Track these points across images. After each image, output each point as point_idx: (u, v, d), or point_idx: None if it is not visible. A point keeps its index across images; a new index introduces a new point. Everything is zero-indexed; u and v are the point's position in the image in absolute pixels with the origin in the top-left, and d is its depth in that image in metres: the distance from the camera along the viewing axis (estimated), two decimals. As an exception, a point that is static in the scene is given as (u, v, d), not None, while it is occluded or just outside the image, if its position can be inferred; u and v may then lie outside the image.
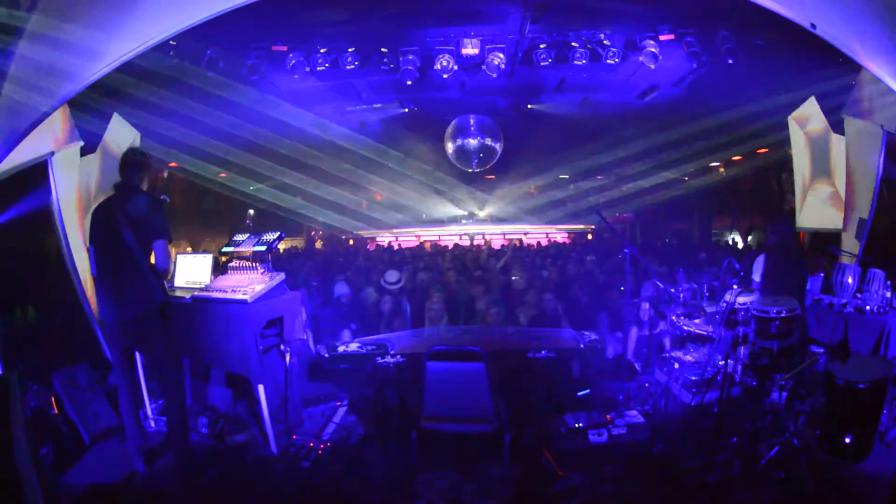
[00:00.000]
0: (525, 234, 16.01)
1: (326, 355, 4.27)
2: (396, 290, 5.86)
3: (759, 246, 12.04)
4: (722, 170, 13.25)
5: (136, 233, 3.28)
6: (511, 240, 14.35)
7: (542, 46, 6.28)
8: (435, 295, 5.84)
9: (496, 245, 13.28)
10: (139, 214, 3.30)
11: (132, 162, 3.48)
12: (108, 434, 3.98)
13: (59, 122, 4.57)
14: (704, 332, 4.42)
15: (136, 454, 3.53)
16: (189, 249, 10.79)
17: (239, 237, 4.33)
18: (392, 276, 5.90)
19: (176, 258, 4.45)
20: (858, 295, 4.59)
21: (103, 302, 3.42)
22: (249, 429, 4.06)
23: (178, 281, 4.24)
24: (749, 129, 8.53)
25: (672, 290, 5.01)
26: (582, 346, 3.93)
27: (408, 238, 16.07)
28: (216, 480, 3.49)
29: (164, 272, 3.46)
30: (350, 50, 6.41)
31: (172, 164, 9.53)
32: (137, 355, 3.86)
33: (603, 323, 5.63)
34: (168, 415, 3.54)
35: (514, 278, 7.22)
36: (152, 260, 3.41)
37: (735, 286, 3.88)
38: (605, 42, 6.28)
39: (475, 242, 13.76)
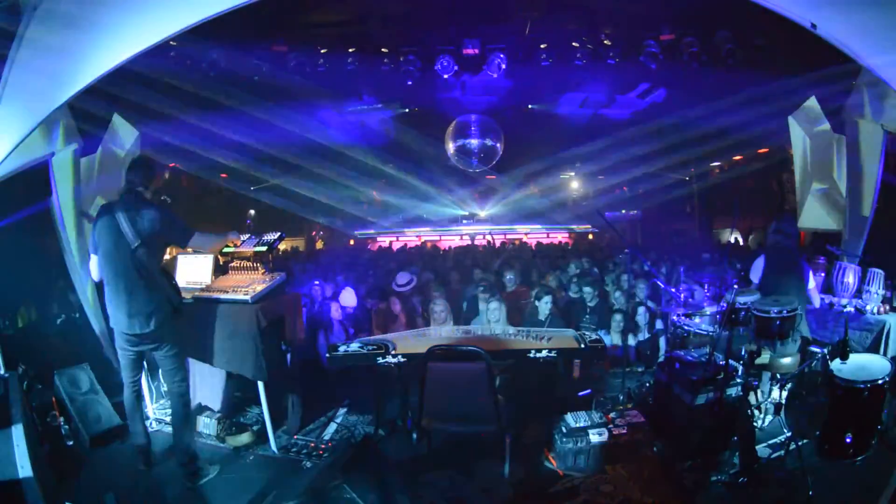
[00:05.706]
0: (526, 234, 16.04)
1: (327, 355, 4.27)
2: (408, 293, 5.83)
3: (760, 246, 12.04)
4: (722, 170, 13.26)
5: (149, 248, 3.28)
6: (511, 240, 14.38)
7: (542, 46, 6.28)
8: (437, 296, 5.82)
9: (497, 245, 13.29)
10: (154, 230, 3.27)
11: (138, 169, 3.41)
12: (109, 435, 3.98)
13: (59, 123, 4.57)
14: (704, 332, 4.42)
15: (137, 454, 3.53)
16: (189, 249, 10.78)
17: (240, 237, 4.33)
18: (402, 278, 5.85)
19: (177, 257, 4.47)
20: (858, 295, 4.59)
21: (117, 315, 3.35)
22: (249, 429, 4.07)
23: (179, 281, 4.24)
24: (749, 130, 8.53)
25: (673, 290, 5.02)
26: (582, 346, 3.92)
27: (409, 238, 16.10)
28: (216, 480, 3.50)
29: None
30: (350, 50, 6.41)
31: (171, 165, 9.55)
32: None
33: (604, 323, 5.63)
34: (174, 414, 3.54)
35: (514, 278, 7.22)
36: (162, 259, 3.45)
37: (735, 285, 3.88)
38: (605, 42, 6.28)
39: (476, 242, 13.76)
